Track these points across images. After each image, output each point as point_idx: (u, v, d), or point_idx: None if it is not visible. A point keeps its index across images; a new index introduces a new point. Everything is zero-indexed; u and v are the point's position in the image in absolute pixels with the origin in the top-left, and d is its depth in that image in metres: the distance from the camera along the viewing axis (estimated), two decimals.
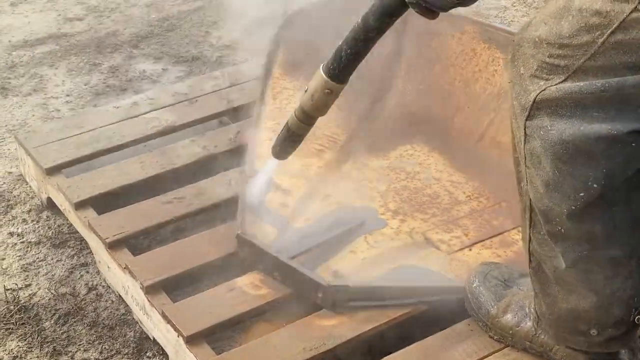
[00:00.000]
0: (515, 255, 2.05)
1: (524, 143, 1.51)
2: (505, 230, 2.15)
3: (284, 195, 2.23)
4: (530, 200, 1.57)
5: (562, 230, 1.52)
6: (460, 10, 3.45)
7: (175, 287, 2.04)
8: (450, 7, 1.62)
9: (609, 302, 1.58)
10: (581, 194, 1.47)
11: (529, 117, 1.48)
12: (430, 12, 1.66)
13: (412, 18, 2.55)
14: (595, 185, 1.45)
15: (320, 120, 2.51)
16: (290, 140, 2.04)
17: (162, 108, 2.65)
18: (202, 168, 2.42)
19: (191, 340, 1.85)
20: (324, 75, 1.91)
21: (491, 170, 2.34)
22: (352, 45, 1.85)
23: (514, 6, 3.66)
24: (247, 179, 2.21)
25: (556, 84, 1.42)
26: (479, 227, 2.16)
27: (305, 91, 1.97)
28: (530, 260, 1.66)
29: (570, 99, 1.42)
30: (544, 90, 1.44)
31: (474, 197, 2.27)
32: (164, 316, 1.91)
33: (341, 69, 1.88)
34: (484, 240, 2.11)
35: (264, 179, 2.20)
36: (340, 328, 1.85)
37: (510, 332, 1.78)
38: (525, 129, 1.49)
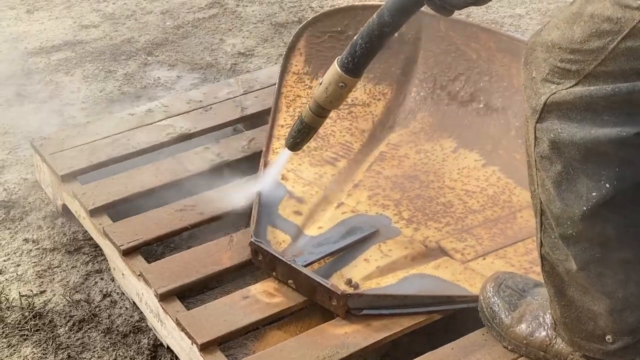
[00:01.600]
0: (529, 264, 2.05)
1: (534, 146, 1.52)
2: (519, 240, 2.14)
3: (297, 203, 2.24)
4: (541, 203, 1.57)
5: (574, 233, 1.53)
6: (474, 17, 3.46)
7: (189, 294, 2.04)
8: (464, 5, 1.65)
9: (622, 307, 1.58)
10: (594, 194, 1.47)
11: (539, 120, 1.49)
12: (444, 9, 1.69)
13: (427, 26, 2.57)
14: (607, 185, 1.46)
15: (334, 129, 2.53)
16: (303, 132, 2.08)
17: (176, 115, 2.66)
18: (216, 175, 2.43)
19: (205, 348, 1.85)
20: (338, 68, 1.94)
21: (506, 180, 2.33)
22: (367, 40, 1.88)
23: (529, 14, 3.66)
24: (261, 183, 2.23)
25: (567, 88, 1.44)
26: (492, 237, 2.16)
27: (320, 84, 1.98)
28: (542, 264, 1.66)
29: (581, 103, 1.43)
30: (555, 93, 1.45)
31: (488, 206, 2.27)
32: (177, 323, 1.91)
33: (355, 62, 1.91)
34: (497, 250, 2.11)
35: (276, 170, 2.24)
36: (354, 336, 1.85)
37: (524, 342, 1.78)
38: (535, 132, 1.51)
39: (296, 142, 2.11)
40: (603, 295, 1.58)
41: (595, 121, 1.43)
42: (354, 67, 1.93)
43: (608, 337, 1.64)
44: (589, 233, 1.52)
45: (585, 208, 1.49)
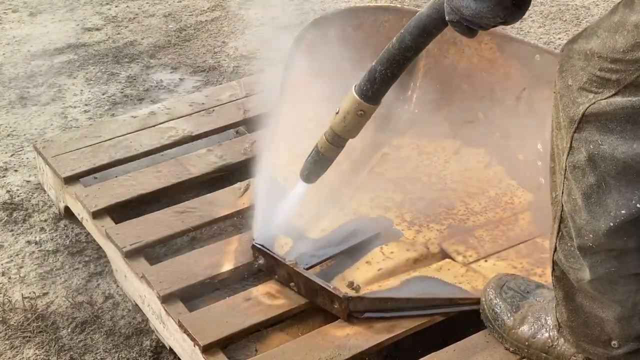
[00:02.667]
0: (531, 266, 2.05)
1: (567, 155, 1.50)
2: (521, 241, 2.14)
3: (299, 206, 2.24)
4: (562, 211, 1.56)
5: (594, 246, 1.52)
6: None
7: (191, 296, 2.04)
8: (492, 26, 1.60)
9: (631, 314, 1.58)
10: (622, 211, 1.46)
11: (577, 130, 1.47)
12: (470, 30, 1.64)
13: None
14: (638, 205, 1.45)
15: None
16: (320, 163, 2.04)
17: (179, 118, 2.67)
18: (218, 178, 2.43)
19: (207, 350, 1.85)
20: (356, 96, 1.89)
21: (508, 181, 2.34)
22: (388, 66, 1.83)
23: (531, 17, 3.66)
24: (262, 189, 2.22)
25: (606, 98, 1.42)
26: (494, 239, 2.16)
27: (337, 113, 1.95)
28: (553, 269, 1.65)
29: (622, 114, 1.41)
30: (594, 103, 1.43)
31: (489, 208, 2.27)
32: (180, 325, 1.92)
33: (375, 90, 1.87)
34: (499, 252, 2.11)
35: (294, 202, 2.16)
36: (355, 338, 1.86)
37: (526, 343, 1.78)
38: (572, 141, 1.48)
39: (312, 174, 2.06)
40: (613, 303, 1.58)
41: (636, 133, 1.41)
42: (373, 95, 1.88)
43: (614, 342, 1.63)
44: (609, 246, 1.51)
45: (612, 224, 1.48)
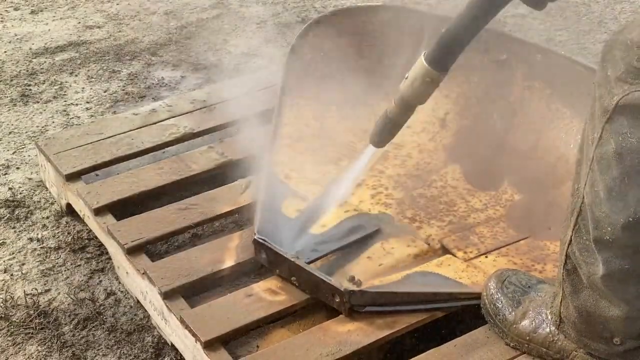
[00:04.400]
0: (531, 262, 2.05)
1: (596, 145, 1.49)
2: (521, 238, 2.15)
3: (301, 202, 2.24)
4: (582, 203, 1.55)
5: (610, 239, 1.51)
6: None
7: (193, 292, 2.05)
8: None
9: (638, 314, 1.58)
10: None
11: (608, 121, 1.46)
12: (540, 3, 1.66)
13: (429, 26, 2.58)
14: None
15: (337, 128, 2.54)
16: (389, 128, 2.06)
17: (180, 115, 2.67)
18: (220, 175, 2.44)
19: (209, 346, 1.86)
20: (425, 63, 1.90)
21: (508, 179, 2.34)
22: (456, 34, 1.84)
23: (532, 14, 3.66)
24: (263, 185, 2.23)
25: None
26: (495, 235, 2.16)
27: (406, 78, 1.96)
28: (565, 262, 1.65)
29: None
30: (628, 94, 1.42)
31: (490, 205, 2.28)
32: (181, 321, 1.92)
33: (443, 57, 1.88)
34: (500, 248, 2.12)
35: (361, 165, 2.21)
36: (357, 334, 1.86)
37: (527, 338, 1.78)
38: (602, 132, 1.47)
39: (382, 138, 2.09)
40: (621, 302, 1.58)
41: None
42: (441, 62, 1.88)
43: (616, 339, 1.63)
44: (626, 242, 1.51)
45: (630, 219, 1.47)
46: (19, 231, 2.47)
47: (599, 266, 1.56)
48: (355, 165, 2.23)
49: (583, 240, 1.58)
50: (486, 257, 2.09)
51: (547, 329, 1.75)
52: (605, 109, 1.46)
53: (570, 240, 1.61)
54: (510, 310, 1.81)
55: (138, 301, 2.17)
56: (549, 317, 1.75)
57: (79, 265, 2.35)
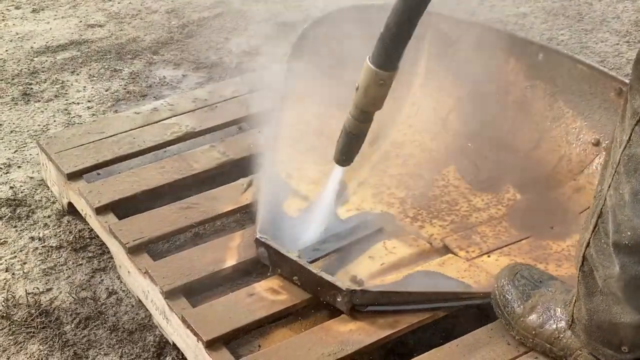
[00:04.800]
0: (533, 262, 2.05)
1: (625, 147, 1.47)
2: (523, 237, 2.15)
3: (302, 201, 2.24)
4: (603, 205, 1.54)
5: (629, 244, 1.50)
6: (479, 16, 3.46)
7: (194, 292, 2.05)
8: None
9: None
10: None
11: (638, 123, 1.44)
12: None
13: (431, 25, 2.58)
14: None
15: (338, 128, 2.53)
16: (351, 143, 2.02)
17: (182, 114, 2.67)
18: (221, 174, 2.43)
19: (210, 345, 1.86)
20: (373, 67, 1.86)
21: (511, 178, 2.34)
22: (397, 28, 1.78)
23: (533, 13, 3.66)
24: (264, 184, 2.23)
25: None
26: (497, 234, 2.16)
27: (357, 89, 1.91)
28: (582, 264, 1.64)
29: None
30: None
31: (492, 204, 2.27)
32: (183, 321, 1.92)
33: (390, 55, 1.83)
34: (502, 247, 2.12)
35: (332, 189, 2.16)
36: (358, 333, 1.86)
37: (533, 332, 1.77)
38: (631, 134, 1.46)
39: (345, 155, 2.04)
40: (634, 310, 1.57)
41: None
42: (390, 61, 1.84)
43: (624, 347, 1.63)
44: None
45: None
46: (21, 230, 2.47)
47: (615, 270, 1.54)
48: (326, 189, 2.17)
49: (601, 243, 1.56)
50: (488, 256, 2.09)
51: (554, 326, 1.75)
52: (636, 111, 1.45)
53: (589, 243, 1.60)
54: (519, 303, 1.80)
55: (140, 300, 2.17)
56: (559, 314, 1.75)
57: (81, 265, 2.34)
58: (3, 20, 3.79)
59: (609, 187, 1.52)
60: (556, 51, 2.41)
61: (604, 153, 2.23)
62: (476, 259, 2.07)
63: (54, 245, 2.41)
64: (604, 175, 1.55)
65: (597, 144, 2.29)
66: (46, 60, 3.41)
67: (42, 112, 3.05)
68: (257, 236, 2.04)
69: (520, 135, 2.41)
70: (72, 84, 3.23)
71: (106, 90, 3.18)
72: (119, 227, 2.21)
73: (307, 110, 2.51)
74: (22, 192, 2.62)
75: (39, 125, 2.97)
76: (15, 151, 2.83)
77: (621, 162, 1.48)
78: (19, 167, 2.75)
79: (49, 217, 2.52)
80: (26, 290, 2.25)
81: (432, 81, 2.59)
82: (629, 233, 1.49)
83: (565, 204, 2.22)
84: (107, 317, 2.17)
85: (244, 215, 2.30)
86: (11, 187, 2.65)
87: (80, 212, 2.41)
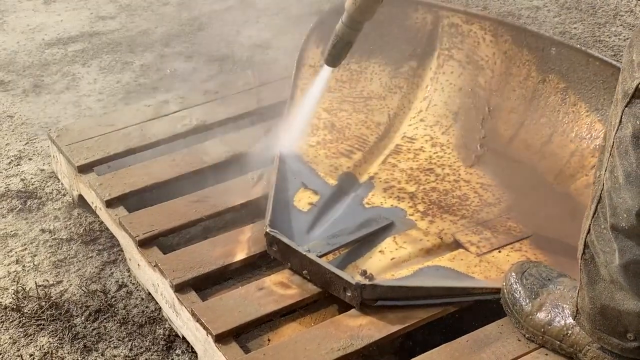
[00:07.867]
0: (545, 257, 2.04)
1: (617, 130, 1.49)
2: (534, 232, 2.14)
3: (313, 195, 2.24)
4: (601, 190, 1.54)
5: (626, 227, 1.51)
6: (491, 9, 3.45)
7: (204, 285, 2.05)
8: None
9: None
10: None
11: (628, 104, 1.46)
12: None
13: (443, 18, 2.56)
14: None
15: (350, 121, 2.53)
16: (339, 46, 2.15)
17: (192, 107, 2.66)
18: (232, 167, 2.43)
19: (220, 339, 1.86)
20: None
21: (521, 172, 2.33)
22: None
23: (546, 6, 3.64)
24: (275, 178, 2.22)
25: None
26: (508, 230, 2.15)
27: None
28: (583, 252, 1.64)
29: None
30: None
31: (503, 199, 2.26)
32: (193, 314, 1.92)
33: None
34: (513, 243, 2.11)
35: (319, 87, 2.31)
36: (368, 328, 1.86)
37: (542, 330, 1.77)
38: (621, 116, 1.47)
39: (333, 57, 2.18)
40: (636, 296, 1.57)
41: None
42: None
43: (629, 334, 1.62)
44: None
45: None
46: (31, 222, 2.48)
47: (615, 255, 1.55)
48: (314, 87, 2.32)
49: (601, 228, 1.57)
50: (499, 251, 2.08)
51: (562, 322, 1.74)
52: (626, 93, 1.46)
53: (589, 229, 1.60)
54: (527, 301, 1.80)
55: (149, 293, 2.17)
56: (566, 309, 1.74)
57: (91, 257, 2.35)
58: (14, 12, 3.80)
59: (605, 170, 1.53)
60: (569, 45, 2.39)
61: None
62: (487, 254, 2.07)
63: (64, 237, 2.41)
64: (602, 160, 1.56)
65: None
66: (57, 52, 3.41)
67: (53, 104, 3.05)
68: (267, 230, 2.04)
69: (532, 130, 2.40)
70: (83, 76, 3.23)
71: (117, 83, 3.18)
72: (129, 220, 2.21)
73: (318, 103, 2.50)
74: (32, 185, 2.63)
75: (49, 117, 2.97)
76: (26, 143, 2.83)
77: (614, 145, 1.50)
78: (30, 159, 2.75)
79: (59, 209, 2.52)
80: (36, 283, 2.26)
81: (443, 75, 2.58)
82: (624, 215, 1.50)
83: (577, 199, 2.21)
84: (117, 310, 2.17)
85: (254, 208, 2.29)
86: (22, 179, 2.65)
87: (91, 204, 2.42)
